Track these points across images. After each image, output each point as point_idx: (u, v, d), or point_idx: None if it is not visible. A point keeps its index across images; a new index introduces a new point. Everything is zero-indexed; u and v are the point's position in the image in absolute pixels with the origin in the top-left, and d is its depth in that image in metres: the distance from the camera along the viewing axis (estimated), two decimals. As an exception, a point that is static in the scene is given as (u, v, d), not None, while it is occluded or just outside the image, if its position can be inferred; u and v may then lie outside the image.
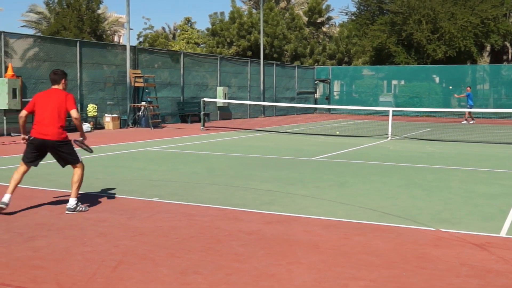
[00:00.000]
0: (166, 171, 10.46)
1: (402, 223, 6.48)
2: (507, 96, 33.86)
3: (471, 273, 4.78)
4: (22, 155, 7.15)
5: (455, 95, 31.72)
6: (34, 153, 7.04)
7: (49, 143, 6.93)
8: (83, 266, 4.82)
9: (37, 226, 6.16)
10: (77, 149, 7.25)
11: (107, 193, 8.05)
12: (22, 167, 7.10)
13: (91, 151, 7.66)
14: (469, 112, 28.74)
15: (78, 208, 6.95)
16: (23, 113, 7.08)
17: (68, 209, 6.89)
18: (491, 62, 43.85)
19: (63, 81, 7.23)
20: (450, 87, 34.50)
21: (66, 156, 7.07)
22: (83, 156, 7.39)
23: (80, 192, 8.07)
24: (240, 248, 5.41)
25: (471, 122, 28.28)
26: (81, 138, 7.44)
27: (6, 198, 6.81)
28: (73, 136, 7.39)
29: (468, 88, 29.82)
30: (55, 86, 7.21)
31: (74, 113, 7.03)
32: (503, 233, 6.10)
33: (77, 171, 7.09)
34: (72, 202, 6.93)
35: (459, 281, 4.59)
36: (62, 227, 6.12)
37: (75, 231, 5.96)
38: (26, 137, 7.07)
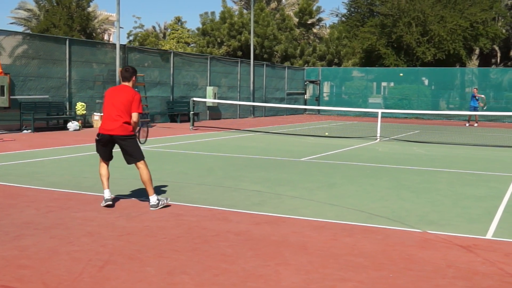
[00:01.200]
0: (155, 170, 10.39)
1: (390, 225, 6.51)
2: (495, 99, 34.08)
3: (457, 274, 4.81)
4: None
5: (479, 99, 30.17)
6: (104, 149, 7.24)
7: (115, 138, 7.11)
8: (70, 265, 4.79)
9: (23, 225, 6.12)
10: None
11: (95, 193, 8.01)
12: (103, 163, 7.31)
13: (142, 142, 7.91)
14: (471, 115, 28.80)
15: (161, 203, 7.11)
16: None
17: (152, 206, 7.04)
18: (479, 65, 44.19)
19: (133, 78, 7.34)
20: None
21: (130, 150, 7.19)
22: None
23: (68, 191, 8.06)
24: (228, 248, 5.40)
25: (475, 125, 28.35)
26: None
27: (107, 194, 7.12)
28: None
29: (475, 89, 29.57)
30: (126, 83, 7.31)
31: (134, 117, 7.17)
32: (489, 235, 6.14)
33: (143, 169, 7.17)
34: (154, 199, 7.08)
35: (445, 282, 4.61)
36: (48, 226, 6.09)
37: (62, 230, 5.92)
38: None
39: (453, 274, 4.81)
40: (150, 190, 7.11)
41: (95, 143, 7.30)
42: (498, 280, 4.70)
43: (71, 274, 4.56)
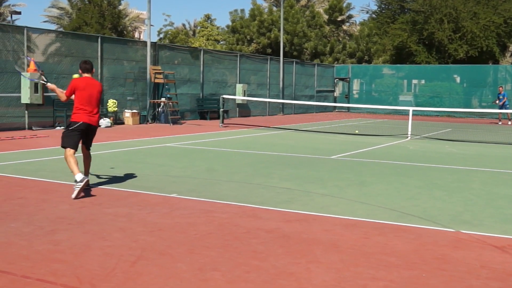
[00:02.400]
0: (185, 167, 10.49)
1: (422, 224, 6.43)
2: (529, 97, 33.40)
3: (492, 275, 4.73)
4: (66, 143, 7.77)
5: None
6: (80, 137, 7.91)
7: (92, 127, 8.00)
8: (102, 260, 4.85)
9: (57, 220, 6.22)
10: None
11: (127, 189, 8.10)
12: (73, 151, 7.73)
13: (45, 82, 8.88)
14: (501, 113, 28.29)
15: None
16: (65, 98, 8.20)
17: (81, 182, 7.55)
18: (513, 63, 43.33)
19: (93, 70, 8.18)
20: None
21: (93, 138, 8.26)
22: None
23: (101, 187, 8.18)
24: (259, 246, 5.41)
25: (509, 123, 27.85)
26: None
27: (81, 175, 7.42)
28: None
29: (500, 87, 29.17)
30: (89, 75, 8.11)
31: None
32: (525, 236, 6.02)
33: (90, 153, 8.21)
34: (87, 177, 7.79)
35: (479, 283, 4.54)
36: (82, 221, 6.17)
37: (95, 226, 6.00)
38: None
39: (487, 275, 4.73)
40: (89, 170, 8.10)
41: (67, 134, 7.81)
42: (534, 281, 4.60)
43: (104, 269, 4.62)
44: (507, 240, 5.82)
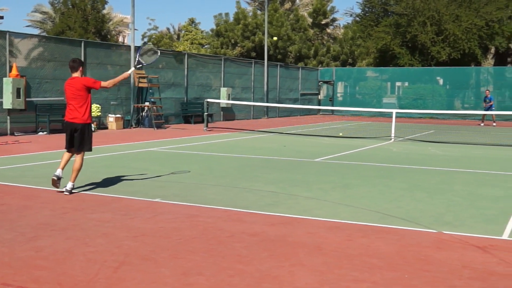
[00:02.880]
0: (170, 171, 10.46)
1: (405, 225, 6.47)
2: (511, 98, 33.76)
3: (473, 275, 4.77)
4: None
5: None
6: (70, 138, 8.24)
7: (75, 125, 8.10)
8: (85, 266, 4.82)
9: (39, 226, 6.17)
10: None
11: (110, 194, 8.06)
12: (67, 153, 8.23)
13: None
14: (485, 115, 28.51)
15: (73, 191, 8.01)
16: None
17: (66, 191, 7.90)
18: (495, 64, 43.76)
19: (80, 68, 8.29)
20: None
21: (85, 138, 8.15)
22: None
23: (84, 192, 8.12)
24: (243, 249, 5.41)
25: (493, 124, 28.09)
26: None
27: (58, 172, 7.95)
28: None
29: (487, 91, 29.43)
30: (74, 74, 8.23)
31: (104, 84, 8.55)
32: (505, 236, 6.09)
33: (80, 158, 8.13)
34: (71, 185, 7.95)
35: (461, 283, 4.58)
36: (64, 227, 6.13)
37: (78, 232, 5.96)
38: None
39: (469, 275, 4.78)
40: (74, 178, 7.98)
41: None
42: (515, 281, 4.65)
43: (87, 275, 4.59)
44: (488, 240, 5.88)
